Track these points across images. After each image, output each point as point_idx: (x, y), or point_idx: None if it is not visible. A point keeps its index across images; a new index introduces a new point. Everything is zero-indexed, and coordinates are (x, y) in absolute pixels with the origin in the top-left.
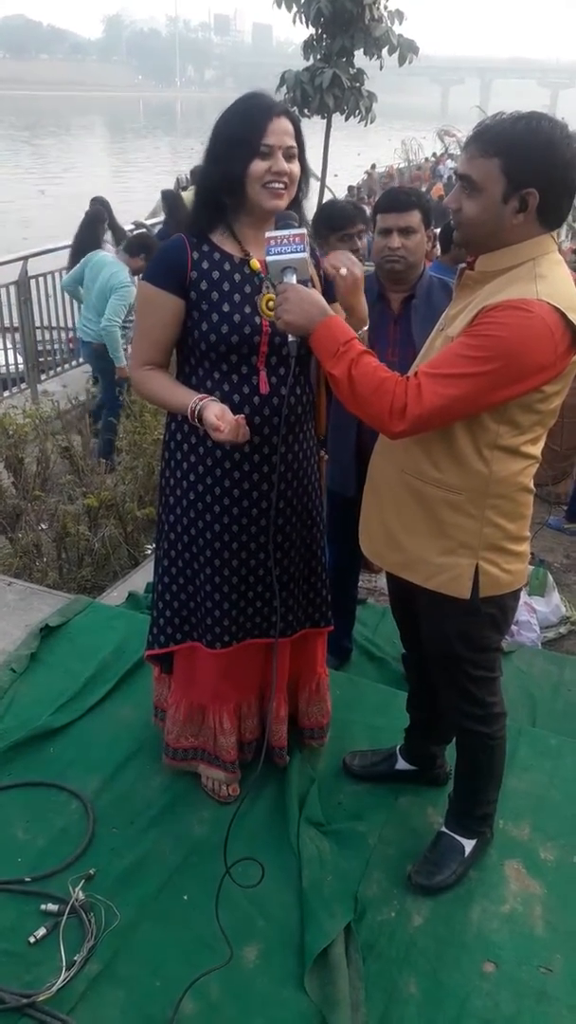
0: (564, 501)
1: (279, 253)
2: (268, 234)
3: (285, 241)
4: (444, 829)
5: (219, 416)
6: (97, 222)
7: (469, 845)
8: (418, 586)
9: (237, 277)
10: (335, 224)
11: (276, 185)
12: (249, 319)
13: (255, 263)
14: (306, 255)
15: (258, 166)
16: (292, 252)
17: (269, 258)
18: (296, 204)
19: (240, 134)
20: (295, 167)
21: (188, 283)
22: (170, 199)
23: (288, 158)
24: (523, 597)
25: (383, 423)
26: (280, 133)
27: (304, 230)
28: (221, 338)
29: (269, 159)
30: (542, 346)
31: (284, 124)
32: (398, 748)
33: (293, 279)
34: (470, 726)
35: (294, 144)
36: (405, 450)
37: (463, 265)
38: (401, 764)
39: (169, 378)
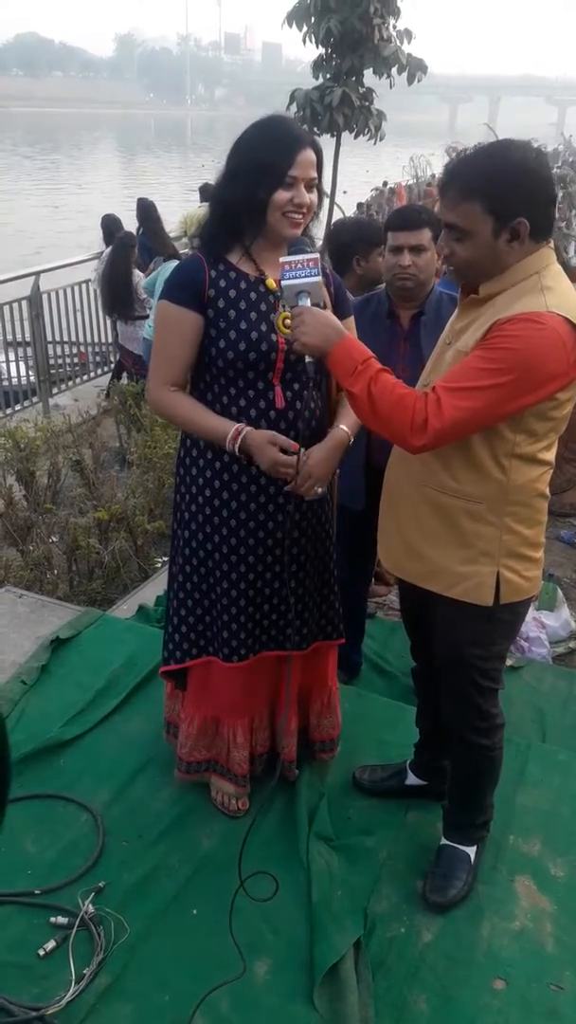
0: (571, 513)
1: (294, 277)
2: (282, 259)
3: (299, 266)
4: (446, 841)
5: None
6: (130, 248)
7: (472, 852)
8: (436, 595)
9: (253, 296)
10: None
11: (296, 216)
12: (266, 337)
13: (271, 282)
14: (319, 279)
15: (281, 196)
16: (306, 276)
17: (284, 282)
18: (306, 228)
19: (269, 161)
20: (314, 197)
21: (207, 300)
22: (143, 207)
23: (308, 188)
24: (532, 612)
25: (404, 438)
26: (306, 165)
27: (317, 254)
28: (239, 355)
29: (292, 190)
30: (555, 356)
31: (310, 156)
32: (408, 763)
33: (307, 302)
34: (474, 739)
35: (316, 175)
36: (423, 463)
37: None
38: (411, 779)
39: (196, 402)
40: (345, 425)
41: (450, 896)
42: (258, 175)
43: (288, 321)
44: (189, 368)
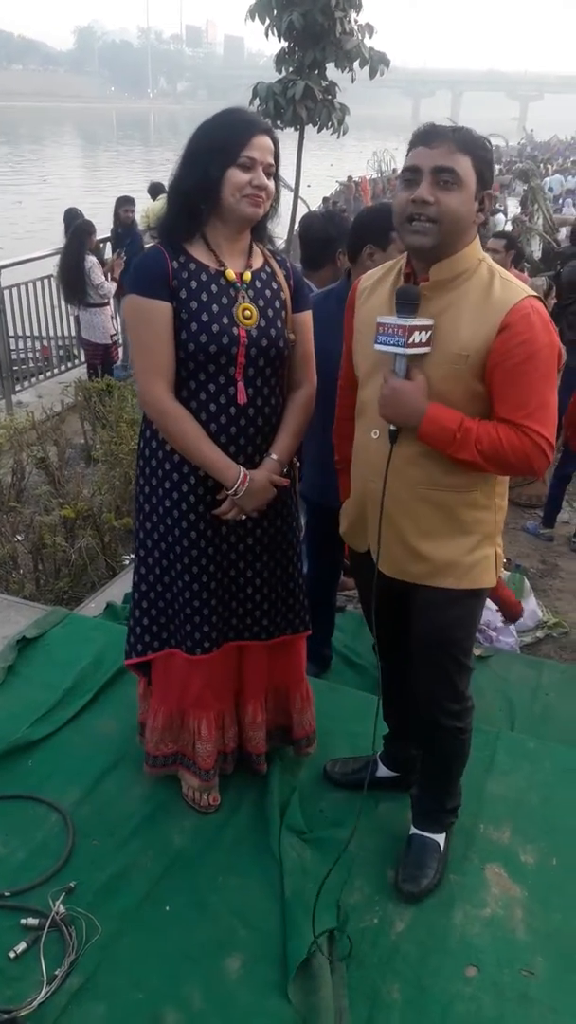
0: (537, 505)
1: (383, 344)
2: (378, 320)
3: (390, 332)
4: (416, 831)
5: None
6: (85, 234)
7: (442, 840)
8: (419, 584)
9: (214, 288)
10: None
11: (257, 196)
12: (227, 329)
13: (230, 274)
14: (407, 351)
15: (239, 176)
16: (392, 346)
17: (376, 346)
18: (264, 219)
19: (221, 142)
20: (272, 184)
21: (171, 290)
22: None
23: (267, 175)
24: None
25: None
26: (263, 149)
27: (411, 323)
28: (200, 347)
29: (251, 172)
30: (553, 335)
31: (267, 142)
32: (379, 755)
33: (402, 367)
34: (447, 722)
35: (273, 163)
36: (419, 467)
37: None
38: (382, 771)
39: (200, 427)
40: (276, 454)
41: (423, 886)
42: (210, 155)
43: (247, 312)
44: (172, 358)
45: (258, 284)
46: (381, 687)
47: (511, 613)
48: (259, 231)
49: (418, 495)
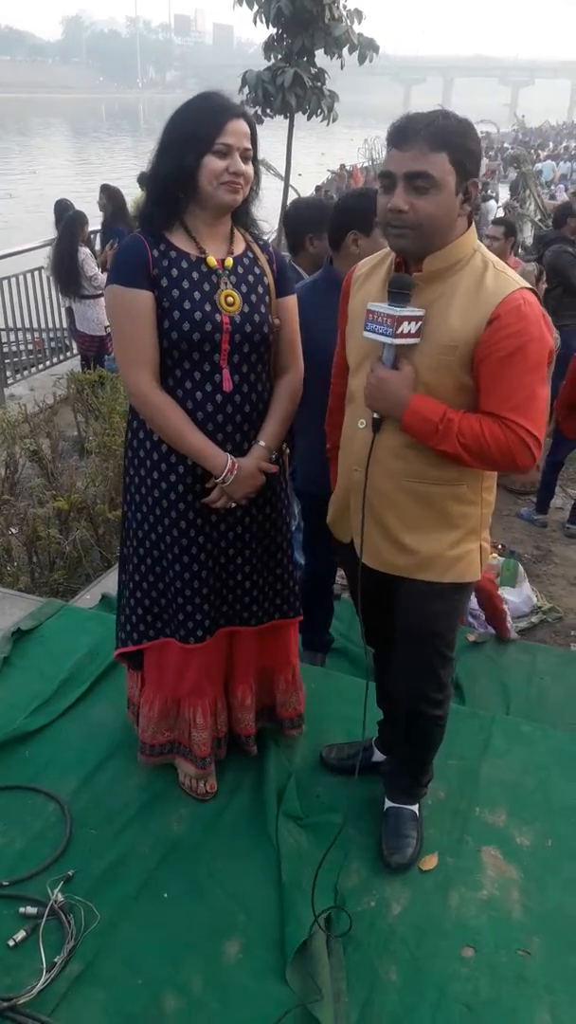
0: (530, 491)
1: (371, 331)
2: (368, 307)
3: (379, 319)
4: (393, 804)
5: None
6: (78, 226)
7: (416, 808)
8: (404, 578)
9: (195, 275)
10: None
11: (235, 183)
12: (210, 316)
13: (211, 260)
14: (394, 341)
15: (215, 164)
16: (380, 335)
17: (364, 333)
18: (246, 204)
19: (196, 129)
20: (250, 169)
21: (152, 279)
22: (111, 193)
23: (244, 159)
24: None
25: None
26: (239, 134)
27: (403, 313)
28: (183, 335)
29: (227, 158)
30: (544, 329)
31: (242, 126)
32: (373, 740)
33: (389, 357)
34: (427, 710)
35: (250, 147)
36: (403, 460)
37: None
38: (377, 756)
39: (185, 415)
40: (264, 441)
41: (409, 856)
42: (185, 143)
43: (229, 299)
44: (155, 347)
45: (240, 270)
46: (374, 674)
47: (498, 627)
48: (241, 216)
49: (402, 487)
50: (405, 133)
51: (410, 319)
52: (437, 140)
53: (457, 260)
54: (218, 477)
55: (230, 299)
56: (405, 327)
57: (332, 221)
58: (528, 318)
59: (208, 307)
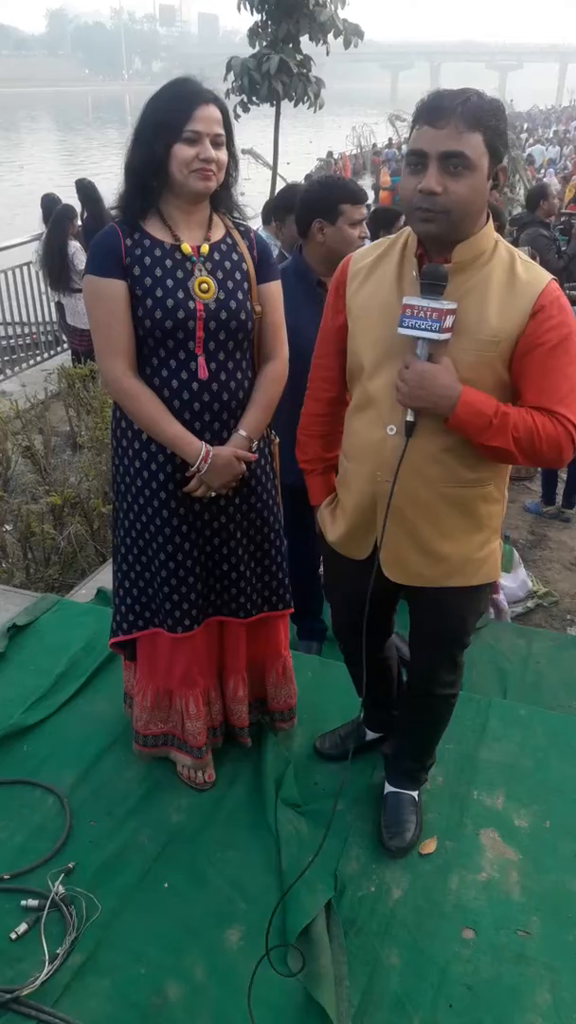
0: (525, 477)
1: (413, 327)
2: (406, 300)
3: (420, 314)
4: (393, 788)
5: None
6: (67, 220)
7: (416, 794)
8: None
9: (169, 263)
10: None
11: (206, 170)
12: (183, 304)
13: (186, 247)
14: (441, 336)
15: (185, 151)
16: (424, 331)
17: (401, 330)
18: (225, 190)
19: (165, 118)
20: (222, 154)
21: (124, 267)
22: (84, 188)
23: (216, 145)
24: None
25: (560, 462)
26: (208, 120)
27: (444, 306)
28: (156, 323)
29: (197, 145)
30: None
31: (212, 111)
32: (361, 720)
33: (424, 354)
34: (442, 691)
35: (222, 132)
36: (440, 464)
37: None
38: (370, 735)
39: (161, 403)
40: (244, 430)
41: (408, 840)
42: (155, 132)
43: (204, 286)
44: (130, 336)
45: (217, 256)
46: (352, 669)
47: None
48: (223, 201)
49: (439, 494)
50: (440, 110)
51: (451, 313)
52: (473, 119)
53: (484, 250)
54: (193, 465)
55: (204, 286)
56: (448, 321)
57: (297, 210)
58: (566, 309)
59: (181, 294)
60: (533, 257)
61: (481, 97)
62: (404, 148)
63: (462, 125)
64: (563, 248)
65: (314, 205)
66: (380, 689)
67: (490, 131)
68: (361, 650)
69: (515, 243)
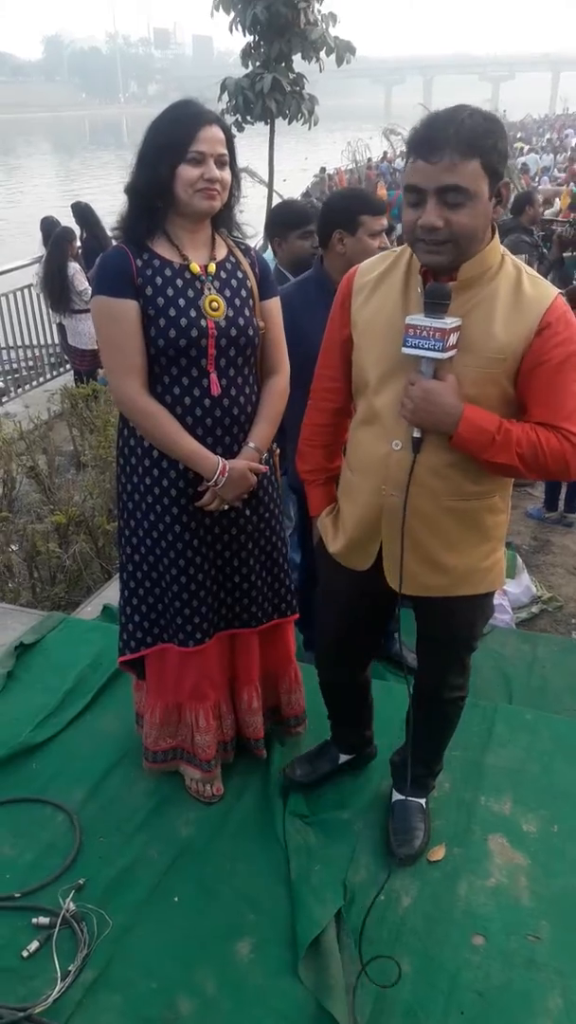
0: (526, 483)
1: (416, 347)
2: (408, 320)
3: (424, 334)
4: (401, 796)
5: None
6: (66, 242)
7: (424, 801)
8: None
9: (179, 282)
10: (293, 222)
11: (211, 189)
12: (195, 322)
13: (195, 267)
14: (444, 356)
15: (190, 172)
16: (427, 350)
17: (405, 349)
18: (227, 209)
19: (170, 139)
20: (226, 174)
21: (136, 288)
22: (80, 211)
23: (219, 165)
24: None
25: (568, 476)
26: (212, 141)
27: (448, 325)
28: (169, 342)
29: (201, 166)
30: None
31: (215, 132)
32: (332, 743)
33: (430, 372)
34: (451, 694)
35: (225, 152)
36: (445, 479)
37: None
38: (342, 757)
39: (175, 421)
40: (254, 443)
41: (417, 847)
42: (159, 153)
43: (214, 304)
44: (143, 355)
45: (223, 275)
46: (348, 690)
47: None
48: (223, 220)
49: (444, 507)
50: (432, 142)
51: (455, 331)
52: (467, 146)
53: (490, 265)
54: (210, 480)
55: (214, 304)
56: (452, 339)
57: (319, 220)
58: (573, 325)
59: (193, 313)
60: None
61: (474, 117)
62: (398, 162)
63: (456, 156)
64: (545, 253)
65: (334, 216)
66: (358, 713)
67: (487, 153)
68: (343, 665)
69: None
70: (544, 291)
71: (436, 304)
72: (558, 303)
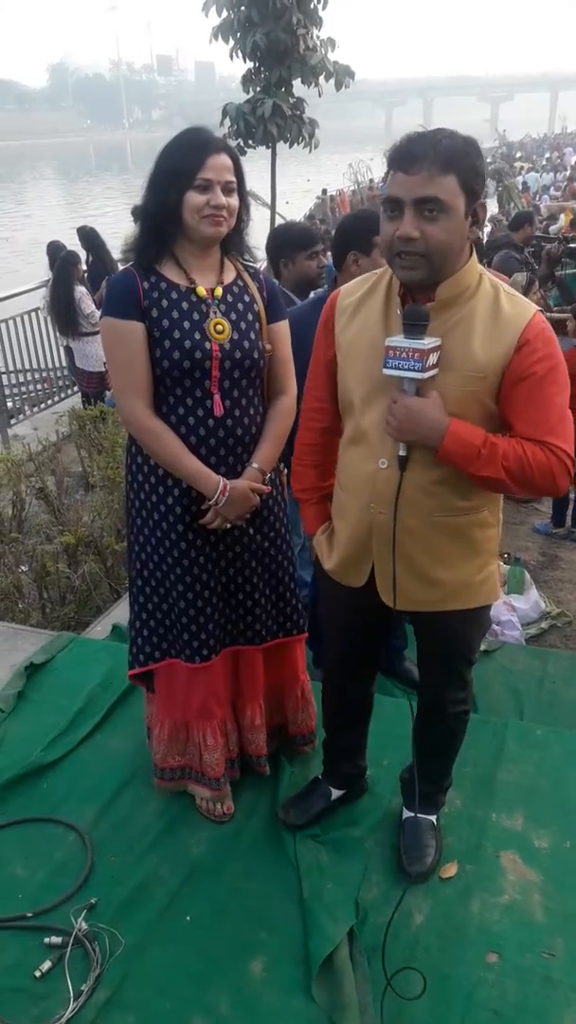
0: (532, 499)
1: (395, 368)
2: (388, 342)
3: (403, 355)
4: (411, 813)
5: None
6: (71, 265)
7: (435, 818)
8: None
9: (185, 305)
10: (301, 243)
11: (217, 216)
12: (200, 345)
13: (201, 290)
14: (424, 375)
15: (197, 199)
16: (407, 371)
17: (386, 370)
18: (237, 233)
19: (178, 166)
20: (233, 200)
21: (142, 310)
22: (86, 235)
23: (227, 192)
24: (502, 596)
25: (556, 490)
26: (219, 168)
27: (427, 345)
28: (174, 364)
29: (208, 192)
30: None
31: (223, 160)
32: (323, 778)
33: (412, 390)
34: (453, 708)
35: (233, 179)
36: (432, 495)
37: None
38: (336, 794)
39: (180, 440)
40: (258, 463)
41: (428, 864)
42: (168, 180)
43: (219, 327)
44: (149, 375)
45: (230, 298)
46: (350, 706)
47: None
48: (232, 245)
49: (431, 523)
50: (411, 155)
51: (434, 351)
52: (445, 162)
53: (468, 286)
54: (211, 499)
55: (219, 327)
56: (431, 359)
57: (333, 241)
58: (552, 341)
59: (198, 336)
60: (529, 284)
61: (453, 138)
62: None
63: (435, 169)
64: (536, 269)
65: (349, 237)
66: (356, 733)
67: (464, 171)
68: (348, 681)
69: (489, 264)
70: (522, 309)
71: (414, 325)
72: (536, 320)
